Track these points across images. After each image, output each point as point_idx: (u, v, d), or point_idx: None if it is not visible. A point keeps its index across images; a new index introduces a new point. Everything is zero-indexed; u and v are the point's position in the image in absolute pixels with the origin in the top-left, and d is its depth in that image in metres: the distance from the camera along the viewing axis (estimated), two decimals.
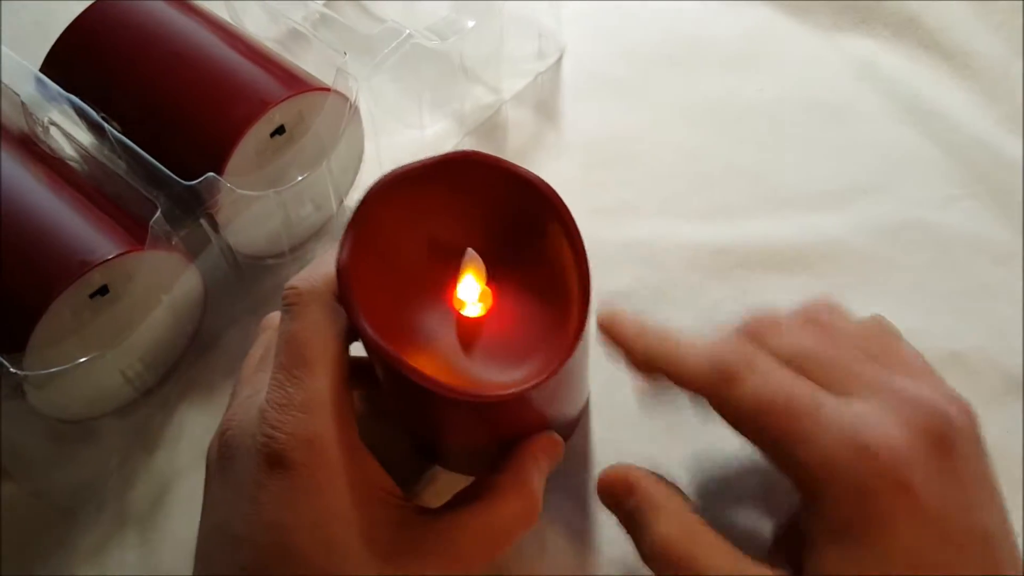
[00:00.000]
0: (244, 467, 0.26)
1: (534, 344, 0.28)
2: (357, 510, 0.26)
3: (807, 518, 0.26)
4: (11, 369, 0.31)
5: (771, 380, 0.27)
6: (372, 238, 0.28)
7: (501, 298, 0.29)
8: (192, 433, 0.37)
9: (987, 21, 0.47)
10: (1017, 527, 0.32)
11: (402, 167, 0.29)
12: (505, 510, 0.28)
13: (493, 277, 0.30)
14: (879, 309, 0.37)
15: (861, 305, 0.34)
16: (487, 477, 0.29)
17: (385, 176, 0.29)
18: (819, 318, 0.30)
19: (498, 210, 0.29)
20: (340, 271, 0.27)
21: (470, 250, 0.29)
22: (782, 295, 0.39)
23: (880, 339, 0.29)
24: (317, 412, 0.26)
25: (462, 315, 0.29)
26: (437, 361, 0.28)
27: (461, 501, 0.29)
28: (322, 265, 0.29)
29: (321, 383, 0.27)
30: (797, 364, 0.27)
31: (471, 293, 0.29)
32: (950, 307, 0.38)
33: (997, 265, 0.39)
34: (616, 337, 0.30)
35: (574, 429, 0.35)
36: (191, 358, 0.39)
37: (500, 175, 0.29)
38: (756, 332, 0.29)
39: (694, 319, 0.38)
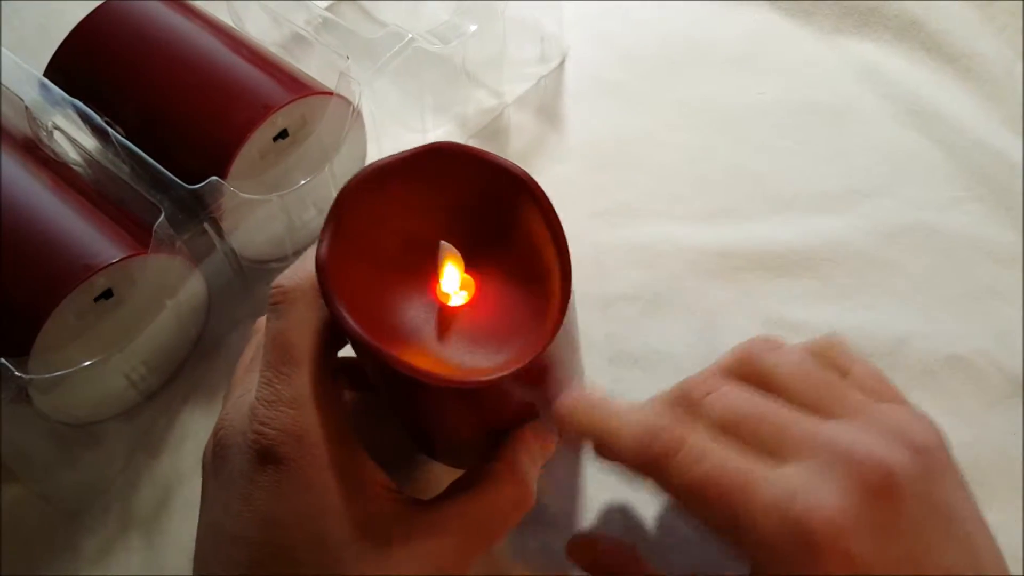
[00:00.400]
0: (236, 465, 0.27)
1: (517, 330, 0.28)
2: (349, 504, 0.26)
3: None
4: (16, 373, 0.31)
5: (702, 458, 0.25)
6: (352, 232, 0.28)
7: (483, 286, 0.29)
8: (196, 436, 0.37)
9: (990, 23, 0.47)
10: (1019, 529, 0.32)
11: (377, 161, 0.29)
12: (498, 497, 0.28)
13: (474, 265, 0.30)
14: (881, 312, 0.37)
15: (864, 308, 0.34)
16: (480, 466, 0.29)
17: (362, 171, 0.29)
18: (755, 363, 0.28)
19: (476, 198, 0.30)
20: (319, 265, 0.27)
21: (444, 243, 0.29)
22: (785, 298, 0.39)
23: (823, 374, 0.28)
24: (306, 408, 0.26)
25: (445, 305, 0.29)
26: (422, 351, 0.28)
27: (454, 491, 0.29)
28: (307, 263, 0.29)
29: (308, 379, 0.27)
30: (730, 430, 0.26)
31: (453, 283, 0.29)
32: (953, 309, 0.38)
33: (1000, 267, 0.39)
34: (556, 413, 0.29)
35: None
36: (195, 361, 0.39)
37: (474, 163, 0.29)
38: (688, 400, 0.27)
39: (696, 322, 0.38)
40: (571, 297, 0.28)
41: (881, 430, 0.25)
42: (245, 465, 0.26)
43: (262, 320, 0.32)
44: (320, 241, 0.28)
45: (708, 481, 0.25)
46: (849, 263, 0.40)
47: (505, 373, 0.27)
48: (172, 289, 0.36)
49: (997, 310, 0.38)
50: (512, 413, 0.30)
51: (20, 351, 0.31)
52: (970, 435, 0.34)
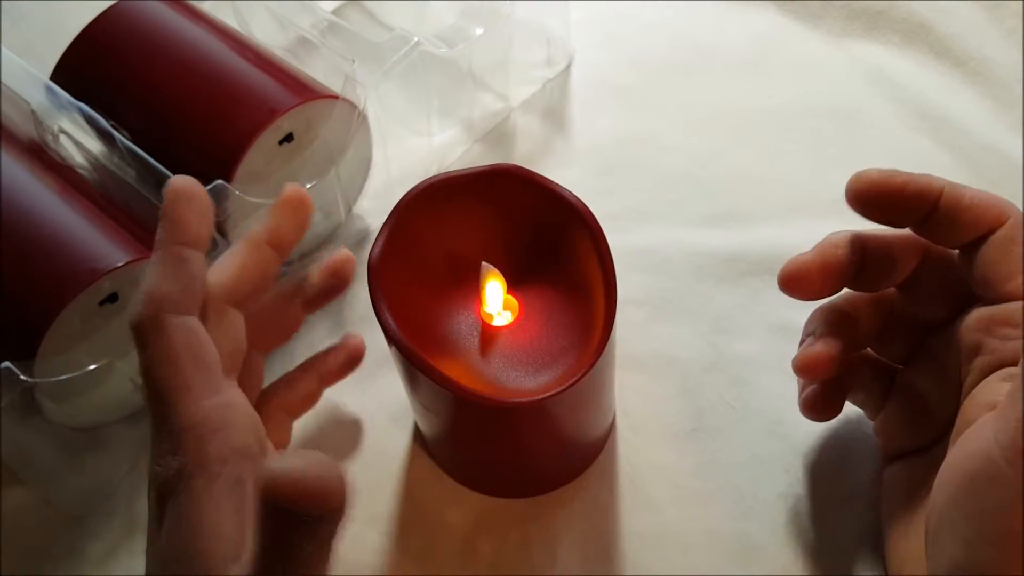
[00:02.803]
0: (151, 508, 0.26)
1: (557, 355, 0.29)
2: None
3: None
4: (21, 376, 0.31)
5: None
6: (405, 240, 0.29)
7: (528, 308, 0.30)
8: None
9: (998, 27, 0.46)
10: None
11: (441, 174, 0.30)
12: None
13: (520, 287, 0.30)
14: None
15: None
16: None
17: (424, 181, 0.29)
18: None
19: (530, 222, 0.30)
20: (371, 267, 0.28)
21: (485, 263, 0.29)
22: (792, 302, 0.38)
23: None
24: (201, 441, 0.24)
25: (488, 323, 0.30)
26: (461, 366, 0.29)
27: None
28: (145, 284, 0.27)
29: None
30: None
31: (496, 302, 0.29)
32: None
33: None
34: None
35: (600, 450, 0.35)
36: None
37: (534, 189, 0.30)
38: None
39: (703, 327, 0.38)
40: (613, 330, 0.28)
41: None
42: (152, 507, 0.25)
43: None
44: (374, 244, 0.28)
45: None
46: None
47: (537, 398, 0.27)
48: None
49: None
50: (544, 438, 0.30)
51: (25, 355, 0.31)
52: None
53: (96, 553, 0.35)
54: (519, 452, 0.30)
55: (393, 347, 0.27)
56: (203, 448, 0.24)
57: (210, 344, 0.26)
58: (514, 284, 0.30)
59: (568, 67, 0.48)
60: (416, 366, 0.27)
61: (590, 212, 0.29)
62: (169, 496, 0.24)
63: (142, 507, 0.35)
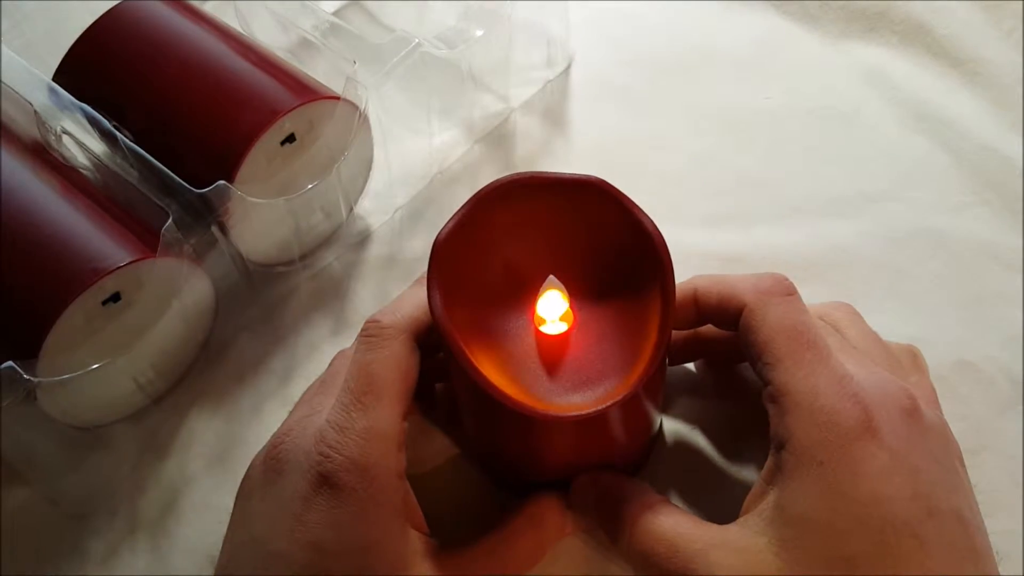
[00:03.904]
0: (292, 483, 0.27)
1: (595, 379, 0.29)
2: (393, 544, 0.27)
3: (777, 459, 0.27)
4: (24, 376, 0.31)
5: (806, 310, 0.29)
6: (475, 228, 0.29)
7: (580, 323, 0.30)
8: (203, 439, 0.37)
9: (997, 27, 0.47)
10: None
11: (529, 173, 0.30)
12: (514, 549, 0.29)
13: (578, 301, 0.30)
14: (890, 317, 0.37)
15: (871, 313, 0.34)
16: (504, 516, 0.30)
17: (509, 175, 0.29)
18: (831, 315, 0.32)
19: (604, 241, 0.30)
20: (436, 247, 0.28)
21: (552, 277, 0.29)
22: None
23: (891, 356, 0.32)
24: (376, 442, 0.27)
25: (538, 328, 0.30)
26: (496, 362, 0.29)
27: (477, 538, 0.29)
28: (406, 302, 0.30)
29: (385, 414, 0.27)
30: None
31: (554, 312, 0.29)
32: (961, 315, 0.38)
33: (1009, 272, 0.39)
34: None
35: (641, 462, 0.34)
36: (202, 365, 0.39)
37: (619, 210, 0.29)
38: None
39: None
40: (664, 360, 0.28)
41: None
42: (302, 485, 0.27)
43: (344, 350, 0.33)
44: (444, 225, 0.29)
45: (805, 325, 0.28)
46: (856, 268, 0.40)
47: (572, 415, 0.27)
48: (179, 292, 0.36)
49: (1005, 315, 0.38)
50: (570, 453, 0.30)
51: (28, 354, 0.31)
52: (978, 441, 0.34)
53: (98, 552, 0.35)
54: (524, 456, 0.30)
55: (437, 331, 0.28)
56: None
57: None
58: (572, 296, 0.30)
59: (568, 68, 0.48)
60: (448, 344, 0.27)
61: (664, 244, 0.29)
62: (327, 486, 0.26)
63: (143, 506, 0.36)
